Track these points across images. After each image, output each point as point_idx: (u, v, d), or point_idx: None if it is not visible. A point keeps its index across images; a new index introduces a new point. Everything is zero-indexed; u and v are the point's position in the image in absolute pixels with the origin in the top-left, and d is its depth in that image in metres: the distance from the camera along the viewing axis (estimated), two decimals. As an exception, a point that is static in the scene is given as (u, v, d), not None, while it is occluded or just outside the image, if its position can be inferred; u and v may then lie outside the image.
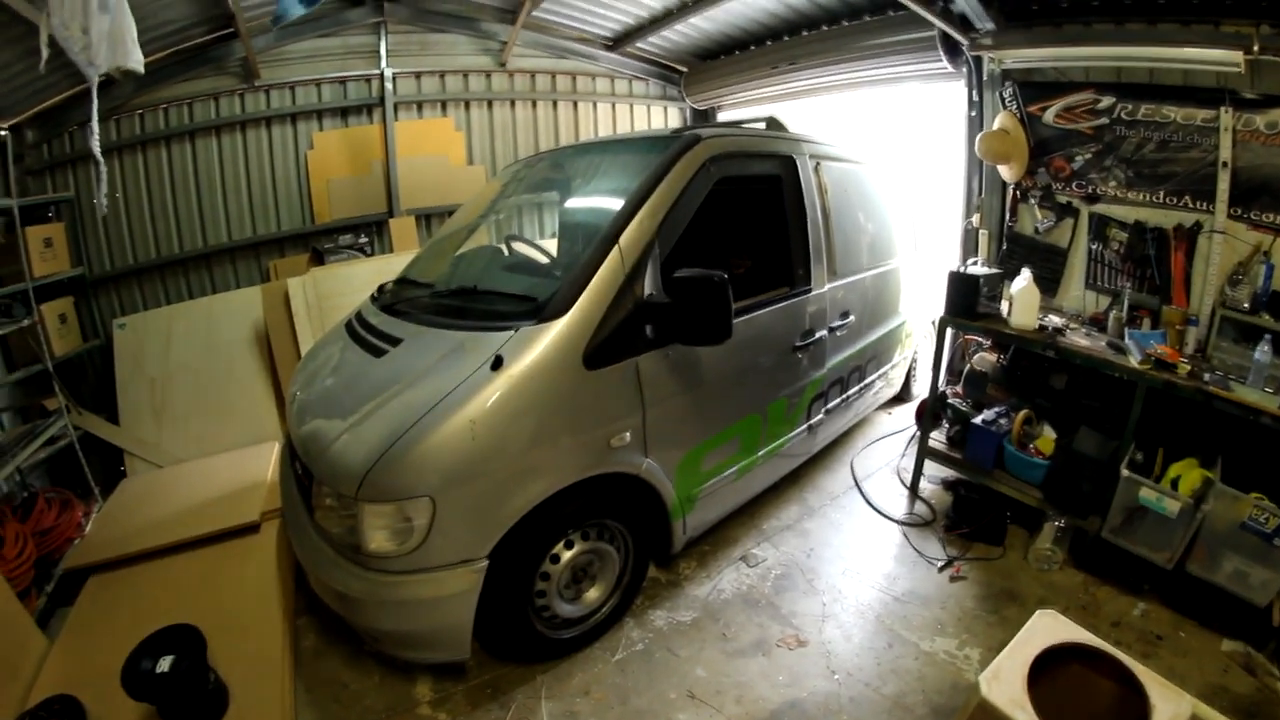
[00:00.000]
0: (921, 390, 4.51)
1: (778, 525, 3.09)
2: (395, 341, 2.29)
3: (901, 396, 4.41)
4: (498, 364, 1.88)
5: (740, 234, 3.58)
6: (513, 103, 5.12)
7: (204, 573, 2.66)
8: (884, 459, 3.80)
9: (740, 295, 2.52)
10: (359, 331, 2.54)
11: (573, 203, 3.11)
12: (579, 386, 1.98)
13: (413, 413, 1.84)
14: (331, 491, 1.93)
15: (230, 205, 4.44)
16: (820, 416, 3.20)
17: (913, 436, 3.88)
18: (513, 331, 1.99)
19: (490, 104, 5.03)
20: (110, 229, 4.16)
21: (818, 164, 3.01)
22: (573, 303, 1.99)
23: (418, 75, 4.75)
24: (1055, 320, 3.10)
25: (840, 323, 3.10)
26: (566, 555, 2.17)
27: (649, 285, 2.12)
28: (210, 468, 3.55)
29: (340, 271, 4.29)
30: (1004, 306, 3.18)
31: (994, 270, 3.15)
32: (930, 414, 3.30)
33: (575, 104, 5.42)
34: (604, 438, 2.07)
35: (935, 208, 4.43)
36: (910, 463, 3.61)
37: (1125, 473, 2.52)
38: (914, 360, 4.39)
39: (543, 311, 2.01)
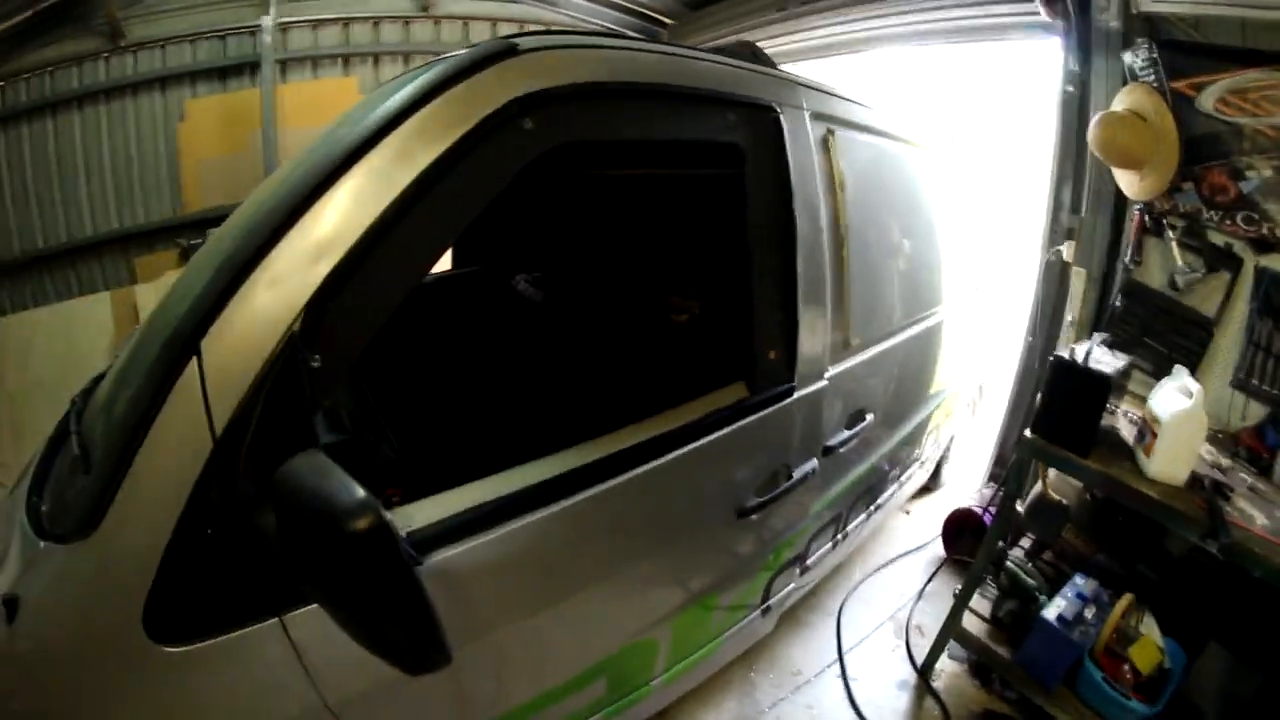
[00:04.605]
0: (956, 478, 3.27)
1: (697, 741, 1.98)
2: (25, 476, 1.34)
3: (929, 486, 3.15)
4: (11, 613, 0.91)
5: (680, 253, 2.34)
6: (436, 55, 3.93)
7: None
8: (889, 598, 2.57)
9: (643, 392, 1.44)
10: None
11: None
12: (150, 677, 0.90)
13: None
14: None
15: (94, 191, 3.61)
16: (790, 586, 2.00)
17: (938, 565, 2.66)
18: (40, 545, 0.97)
19: (407, 59, 3.87)
20: (-30, 222, 3.46)
21: (829, 133, 1.67)
22: (104, 505, 0.88)
23: (315, 24, 3.66)
24: (1202, 455, 1.81)
25: (848, 434, 1.80)
26: None
27: (270, 462, 0.88)
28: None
29: (199, 277, 3.41)
30: (1120, 414, 1.93)
31: (1126, 360, 1.84)
32: (977, 577, 2.06)
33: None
34: None
35: (1003, 222, 3.07)
36: (928, 612, 2.44)
37: None
38: (950, 440, 3.10)
39: (71, 513, 0.95)
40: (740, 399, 1.49)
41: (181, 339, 0.89)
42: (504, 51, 1.10)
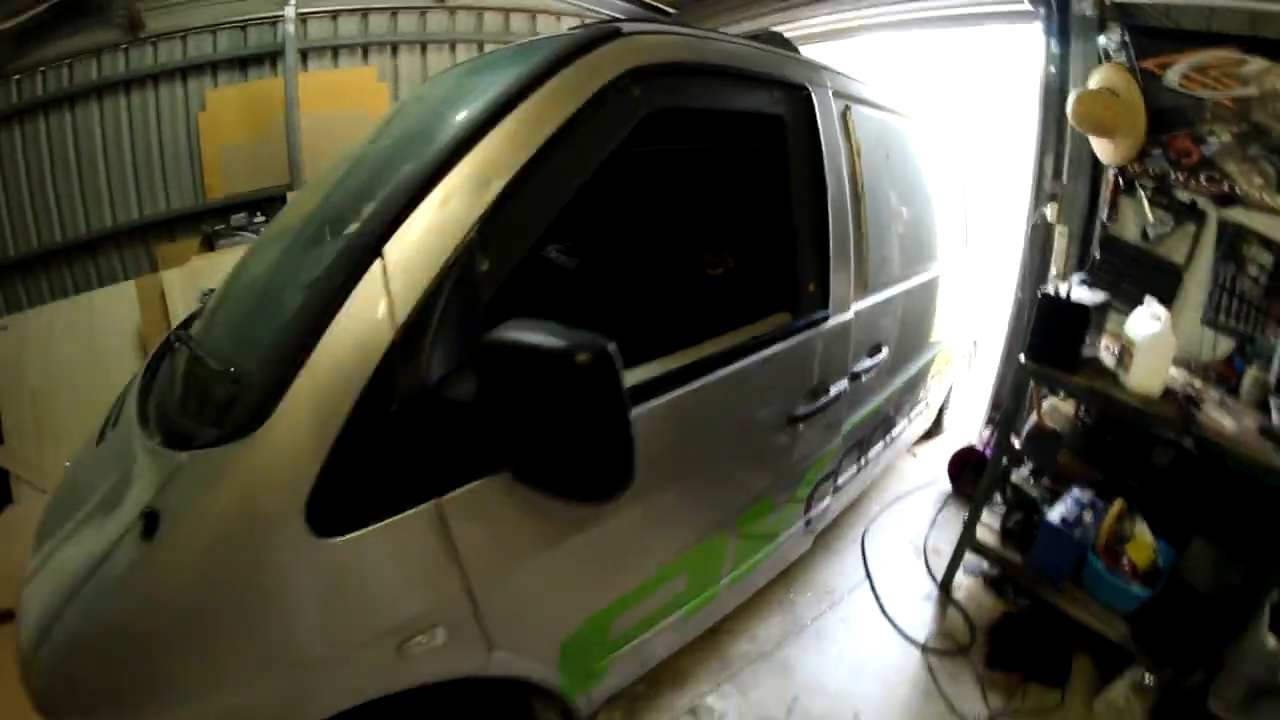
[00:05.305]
0: (957, 424, 3.58)
1: (750, 653, 2.20)
2: (115, 422, 1.46)
3: (932, 432, 3.46)
4: (150, 528, 0.97)
5: (715, 214, 2.55)
6: (453, 46, 4.12)
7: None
8: (905, 528, 2.87)
9: (708, 324, 1.60)
10: (128, 386, 1.67)
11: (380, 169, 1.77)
12: (306, 571, 1.01)
13: (65, 585, 1.03)
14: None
15: (114, 182, 3.66)
16: (826, 501, 2.25)
17: (946, 498, 2.97)
18: (183, 457, 1.05)
19: (424, 48, 4.03)
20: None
21: (847, 109, 1.95)
22: (273, 403, 0.99)
23: (334, 15, 3.79)
24: (1175, 375, 2.12)
25: (869, 363, 2.08)
26: None
27: (449, 349, 1.06)
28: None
29: (226, 260, 3.46)
30: (1103, 346, 2.22)
31: (1103, 296, 2.13)
32: (985, 493, 2.34)
33: (534, 46, 4.33)
34: (386, 645, 1.12)
35: (990, 188, 3.38)
36: (942, 537, 2.73)
37: (1271, 641, 1.67)
38: (950, 389, 3.41)
39: (229, 416, 1.04)
40: (786, 323, 1.75)
41: (366, 246, 1.05)
42: (612, 33, 1.34)
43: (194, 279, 3.47)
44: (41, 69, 3.42)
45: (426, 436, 1.06)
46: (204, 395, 1.24)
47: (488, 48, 4.17)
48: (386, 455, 1.03)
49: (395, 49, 3.95)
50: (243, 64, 3.72)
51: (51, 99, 3.45)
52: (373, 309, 1.02)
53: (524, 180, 1.14)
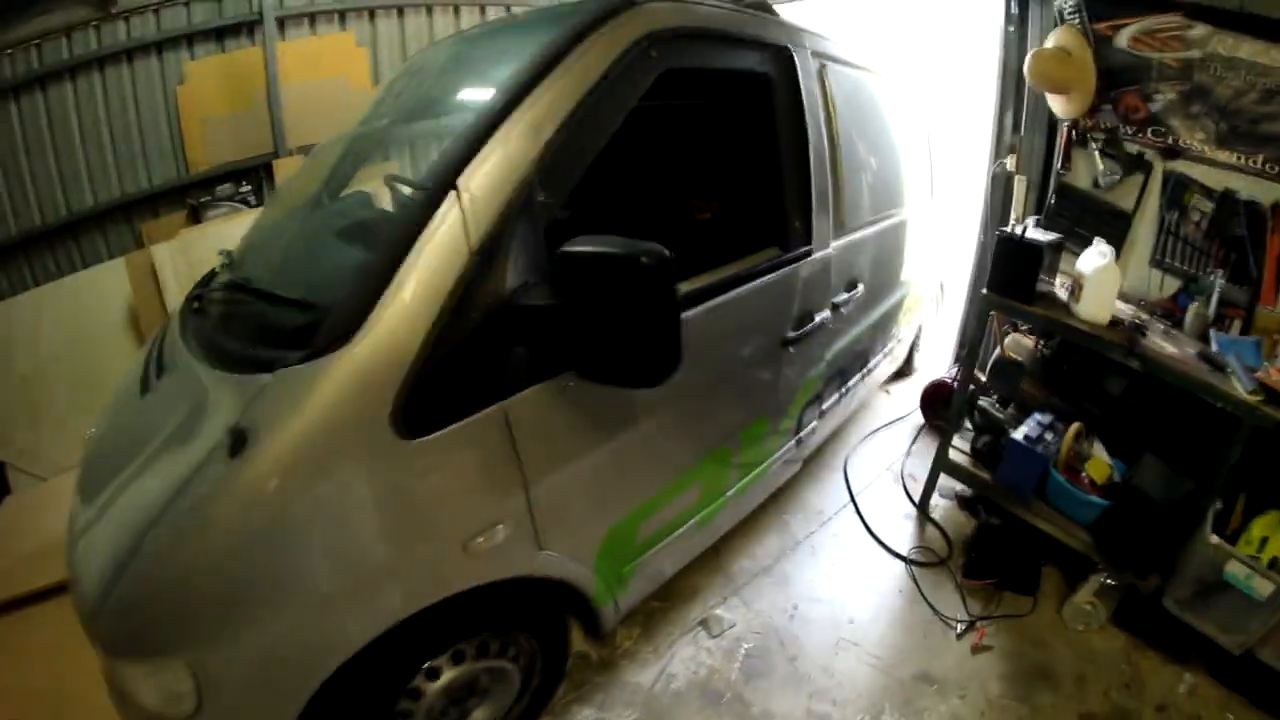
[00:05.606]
0: (927, 364, 3.85)
1: (751, 569, 2.44)
2: (161, 371, 1.55)
3: (903, 371, 3.72)
4: (238, 445, 1.07)
5: (701, 164, 2.72)
6: (429, 9, 4.11)
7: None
8: (883, 456, 3.15)
9: (702, 262, 1.77)
10: (155, 343, 1.79)
11: (427, 120, 2.03)
12: (389, 471, 1.15)
13: (140, 519, 1.10)
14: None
15: (93, 161, 3.58)
16: (813, 424, 2.49)
17: (919, 430, 3.23)
18: (266, 377, 1.16)
19: (401, 11, 4.02)
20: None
21: (823, 67, 2.15)
22: (361, 318, 1.13)
23: (311, -18, 3.76)
24: (1125, 310, 2.36)
25: (846, 296, 2.31)
26: (430, 687, 1.48)
27: (519, 267, 1.25)
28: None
29: (215, 231, 3.52)
30: (1058, 284, 2.45)
31: (1056, 236, 2.36)
32: (956, 417, 2.59)
33: (509, 10, 4.32)
34: (454, 544, 1.29)
35: (953, 141, 3.60)
36: (917, 464, 2.98)
37: (1213, 539, 1.89)
38: (919, 330, 3.66)
39: (315, 335, 1.16)
40: (775, 256, 1.96)
41: (445, 181, 1.22)
42: (629, 2, 1.52)
43: (184, 251, 3.48)
44: (9, 50, 3.31)
45: (497, 344, 1.24)
46: (281, 322, 1.34)
47: (464, 10, 4.19)
48: (464, 361, 1.20)
49: (372, 14, 3.94)
50: (219, 35, 3.67)
51: (22, 81, 3.36)
52: (453, 232, 1.19)
53: (569, 127, 1.32)
